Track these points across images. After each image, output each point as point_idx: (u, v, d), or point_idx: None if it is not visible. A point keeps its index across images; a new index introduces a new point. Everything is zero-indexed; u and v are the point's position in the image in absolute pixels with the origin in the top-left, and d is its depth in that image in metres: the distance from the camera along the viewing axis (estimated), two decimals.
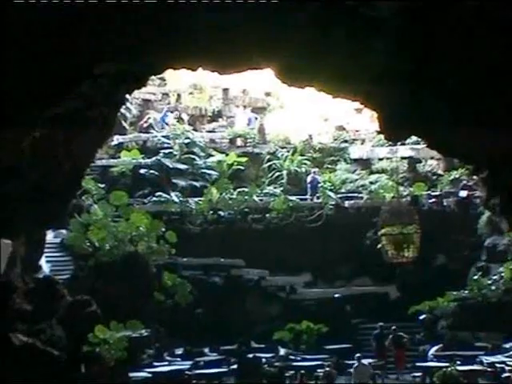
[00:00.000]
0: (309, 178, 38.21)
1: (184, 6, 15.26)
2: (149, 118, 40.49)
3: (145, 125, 40.08)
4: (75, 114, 21.48)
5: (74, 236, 32.14)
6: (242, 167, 39.19)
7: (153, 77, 25.67)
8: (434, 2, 16.04)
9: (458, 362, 27.40)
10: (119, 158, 37.81)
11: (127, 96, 25.66)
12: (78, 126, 22.34)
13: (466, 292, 33.82)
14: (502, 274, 33.95)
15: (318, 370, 28.13)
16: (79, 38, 17.16)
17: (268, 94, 44.59)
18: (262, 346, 32.04)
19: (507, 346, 30.76)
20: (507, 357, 29.99)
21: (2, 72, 17.42)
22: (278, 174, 39.23)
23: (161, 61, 19.28)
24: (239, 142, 39.74)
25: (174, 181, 37.97)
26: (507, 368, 28.11)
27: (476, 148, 20.41)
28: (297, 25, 16.75)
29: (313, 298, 36.16)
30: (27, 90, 18.17)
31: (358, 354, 28.02)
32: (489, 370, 28.37)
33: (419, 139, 27.15)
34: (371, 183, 38.42)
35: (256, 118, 40.86)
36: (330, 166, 40.30)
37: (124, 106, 30.62)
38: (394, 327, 32.03)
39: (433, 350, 31.36)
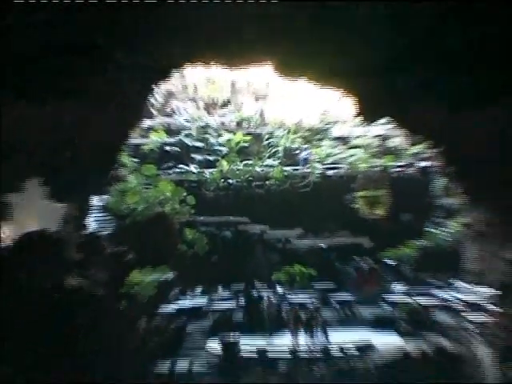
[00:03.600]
0: (302, 153, 36.54)
1: (203, 10, 16.17)
2: (172, 105, 39.12)
3: (169, 111, 38.73)
4: (111, 101, 21.29)
5: (113, 200, 30.32)
6: (246, 144, 36.82)
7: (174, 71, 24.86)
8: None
9: (419, 298, 27.78)
10: (148, 137, 36.51)
11: (155, 87, 25.08)
12: (114, 111, 22.00)
13: (425, 242, 32.83)
14: (452, 228, 32.57)
15: (308, 304, 27.34)
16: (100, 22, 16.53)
17: (268, 85, 40.86)
18: (264, 285, 31.30)
19: (456, 284, 29.19)
20: (457, 292, 27.89)
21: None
22: (275, 149, 37.44)
23: (182, 57, 20.66)
24: (244, 124, 38.40)
25: (193, 156, 36.28)
26: (459, 301, 26.71)
27: (436, 127, 21.39)
28: (291, 28, 17.26)
29: (304, 248, 35.09)
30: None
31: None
32: (443, 303, 27.38)
33: (389, 120, 26.74)
34: (350, 156, 36.86)
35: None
36: (316, 143, 38.14)
37: (152, 96, 29.49)
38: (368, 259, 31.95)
39: (398, 288, 30.58)
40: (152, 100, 35.11)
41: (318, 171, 35.12)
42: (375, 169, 35.01)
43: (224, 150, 36.26)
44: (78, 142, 21.87)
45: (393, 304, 28.14)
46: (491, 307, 22.64)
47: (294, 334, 24.30)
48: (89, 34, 17.30)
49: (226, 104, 40.44)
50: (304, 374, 23.59)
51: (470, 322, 23.88)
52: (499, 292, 22.30)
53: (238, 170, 34.99)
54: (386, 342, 24.56)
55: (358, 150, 36.37)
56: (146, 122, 35.31)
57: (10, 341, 18.85)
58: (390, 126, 32.80)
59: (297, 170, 35.64)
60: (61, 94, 19.13)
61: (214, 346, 24.18)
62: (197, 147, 36.52)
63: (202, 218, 33.38)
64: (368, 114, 23.19)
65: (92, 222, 28.92)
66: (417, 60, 17.82)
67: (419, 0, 15.77)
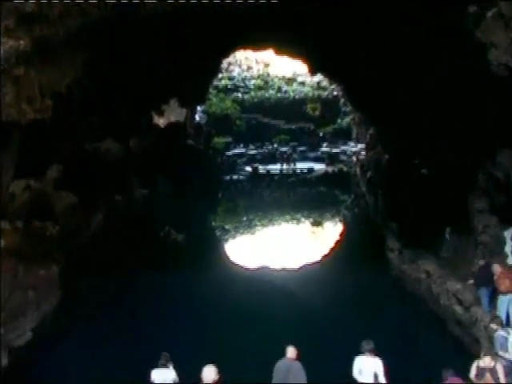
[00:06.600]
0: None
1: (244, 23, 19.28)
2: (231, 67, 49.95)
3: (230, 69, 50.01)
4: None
5: (206, 107, 43.70)
6: (262, 84, 49.27)
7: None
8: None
9: (333, 148, 45.36)
10: (220, 80, 47.26)
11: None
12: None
13: (337, 125, 47.57)
14: (348, 120, 45.62)
15: (288, 152, 44.14)
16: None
17: (270, 60, 50.57)
18: (269, 142, 46.84)
19: (348, 143, 44.81)
20: (349, 146, 44.43)
21: None
22: (273, 86, 49.31)
23: (229, 49, 29.32)
24: (260, 76, 50.83)
25: (239, 89, 49.15)
26: (350, 150, 43.28)
27: (345, 75, 27.10)
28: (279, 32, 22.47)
29: (286, 127, 48.23)
30: None
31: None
32: (344, 151, 44.61)
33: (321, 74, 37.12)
34: (305, 90, 49.27)
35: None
36: (290, 83, 50.51)
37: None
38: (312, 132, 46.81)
39: (325, 145, 46.69)
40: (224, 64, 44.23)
41: (292, 95, 49.63)
42: (315, 95, 49.60)
43: (252, 86, 51.47)
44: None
45: (322, 152, 46.13)
46: (363, 152, 39.18)
47: (281, 163, 43.34)
48: None
49: (252, 68, 53.42)
50: (285, 183, 40.00)
51: (354, 159, 41.50)
52: (364, 146, 38.50)
53: (258, 94, 49.87)
54: (319, 167, 43.39)
55: (308, 87, 50.34)
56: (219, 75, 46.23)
57: None
58: (321, 77, 45.54)
59: (283, 95, 49.71)
60: None
61: (248, 168, 43.38)
62: (241, 86, 51.28)
63: (243, 115, 48.43)
64: (313, 71, 31.24)
65: (197, 117, 42.02)
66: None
67: None
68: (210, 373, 6.75)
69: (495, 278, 12.15)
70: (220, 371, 6.87)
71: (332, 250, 24.20)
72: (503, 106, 11.66)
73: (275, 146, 47.45)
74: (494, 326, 10.58)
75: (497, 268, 12.24)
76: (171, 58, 21.08)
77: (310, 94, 49.92)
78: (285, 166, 43.72)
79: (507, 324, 11.08)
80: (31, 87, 10.93)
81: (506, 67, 9.75)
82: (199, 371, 6.95)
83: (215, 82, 43.68)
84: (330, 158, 44.74)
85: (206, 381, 6.70)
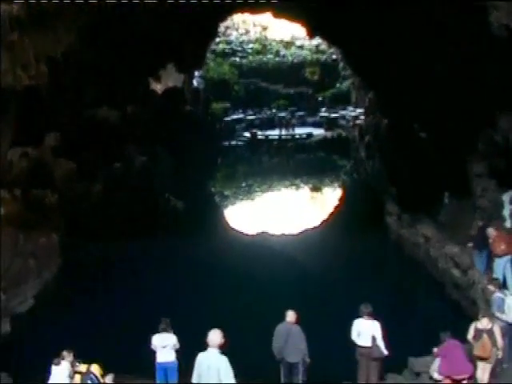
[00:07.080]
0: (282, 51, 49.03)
1: None
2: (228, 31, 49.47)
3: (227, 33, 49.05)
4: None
5: (204, 73, 42.48)
6: (260, 48, 48.38)
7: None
8: None
9: (332, 114, 44.45)
10: (218, 45, 46.71)
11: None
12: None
13: (335, 90, 46.81)
14: (347, 86, 45.44)
15: (287, 117, 43.44)
16: None
17: (269, 23, 49.75)
18: (267, 108, 45.86)
19: (347, 108, 43.70)
20: (348, 111, 43.16)
21: None
22: (271, 49, 48.50)
23: (227, 12, 27.90)
24: (258, 40, 50.36)
25: (237, 53, 48.32)
26: (349, 115, 42.14)
27: (341, 38, 25.35)
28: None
29: (284, 92, 47.36)
30: None
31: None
32: (342, 116, 43.64)
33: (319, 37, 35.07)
34: (303, 53, 48.65)
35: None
36: (288, 47, 49.73)
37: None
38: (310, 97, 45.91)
39: (323, 111, 46.02)
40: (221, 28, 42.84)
41: (290, 59, 49.42)
42: (314, 58, 48.87)
43: (250, 50, 50.26)
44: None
45: (321, 117, 45.88)
46: (362, 117, 37.47)
47: (280, 129, 43.18)
48: None
49: (250, 31, 53.06)
50: (284, 149, 39.84)
51: (353, 124, 40.16)
52: (364, 110, 36.87)
53: (256, 59, 48.94)
54: (318, 133, 43.15)
55: (307, 51, 50.38)
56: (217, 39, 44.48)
57: None
58: (319, 40, 44.99)
59: (282, 59, 49.70)
60: None
61: (247, 134, 42.70)
62: (238, 50, 50.20)
63: (241, 80, 47.45)
64: (311, 33, 29.71)
65: (195, 82, 41.09)
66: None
67: None
68: (215, 337, 6.92)
69: (490, 241, 12.30)
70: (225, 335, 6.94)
71: (331, 215, 24.43)
72: (503, 69, 11.52)
73: (274, 111, 46.96)
74: (492, 287, 10.70)
75: (492, 231, 12.37)
76: (169, 21, 20.74)
77: (309, 58, 49.20)
78: (283, 132, 43.43)
79: (503, 286, 11.15)
80: (26, 53, 10.80)
81: (506, 28, 9.65)
82: (199, 336, 7.03)
83: (212, 46, 42.92)
84: (329, 123, 44.35)
85: (212, 344, 6.87)
